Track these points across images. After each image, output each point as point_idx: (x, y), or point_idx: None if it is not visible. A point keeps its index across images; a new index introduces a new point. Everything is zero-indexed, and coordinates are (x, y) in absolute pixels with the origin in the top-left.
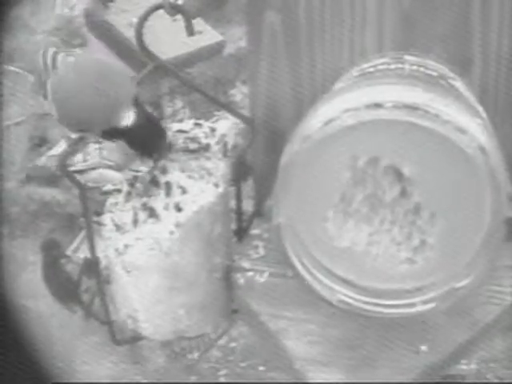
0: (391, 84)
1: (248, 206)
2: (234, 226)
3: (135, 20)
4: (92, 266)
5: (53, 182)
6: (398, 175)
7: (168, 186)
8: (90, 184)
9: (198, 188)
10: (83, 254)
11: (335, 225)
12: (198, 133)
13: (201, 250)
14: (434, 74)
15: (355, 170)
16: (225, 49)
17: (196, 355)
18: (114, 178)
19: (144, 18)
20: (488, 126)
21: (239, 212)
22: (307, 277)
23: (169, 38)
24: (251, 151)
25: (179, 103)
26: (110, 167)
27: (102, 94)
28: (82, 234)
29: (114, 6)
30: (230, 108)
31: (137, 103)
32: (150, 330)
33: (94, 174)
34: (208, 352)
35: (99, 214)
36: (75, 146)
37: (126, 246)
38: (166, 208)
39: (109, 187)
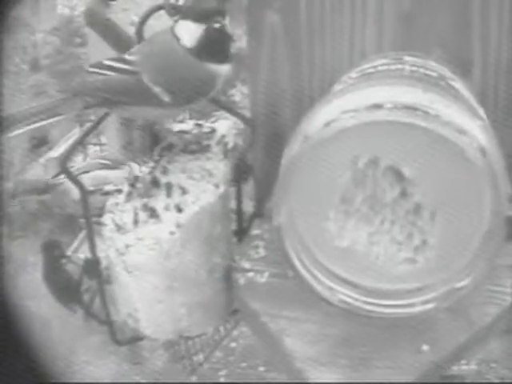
0: (391, 85)
1: (248, 206)
2: (234, 227)
3: (136, 19)
4: (93, 266)
5: (43, 192)
6: (398, 176)
7: (169, 186)
8: (90, 187)
9: (198, 188)
10: (84, 254)
11: (336, 225)
12: (199, 133)
13: (201, 251)
14: (434, 74)
15: (355, 171)
16: None
17: (201, 357)
18: (113, 178)
19: (145, 19)
20: (488, 127)
21: (239, 212)
22: (308, 277)
23: None
24: (251, 151)
25: None
26: (106, 166)
27: None
28: (83, 234)
29: (116, 4)
30: (229, 108)
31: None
32: (150, 330)
33: (91, 176)
34: (213, 353)
35: (100, 214)
36: (75, 147)
37: (127, 246)
38: (167, 208)
39: (110, 187)
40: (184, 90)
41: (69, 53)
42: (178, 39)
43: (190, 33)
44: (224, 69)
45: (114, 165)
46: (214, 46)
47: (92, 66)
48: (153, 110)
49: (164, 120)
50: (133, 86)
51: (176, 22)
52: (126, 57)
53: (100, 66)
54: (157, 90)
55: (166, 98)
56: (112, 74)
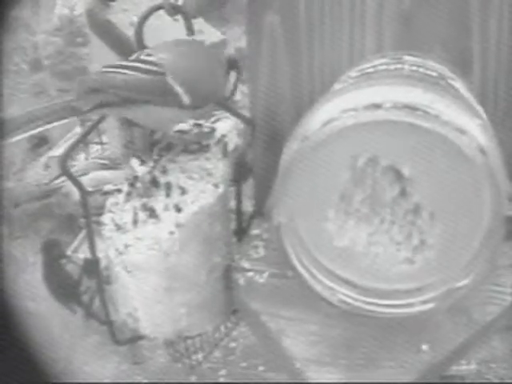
0: (391, 84)
1: (248, 206)
2: (233, 226)
3: (135, 19)
4: (92, 266)
5: (45, 198)
6: (398, 175)
7: (168, 186)
8: (89, 188)
9: (197, 188)
10: (83, 254)
11: (335, 225)
12: (199, 133)
13: (200, 250)
14: (434, 74)
15: (355, 170)
16: (226, 48)
17: (200, 356)
18: (112, 178)
19: (144, 19)
20: (488, 127)
21: (239, 212)
22: (307, 277)
23: (169, 38)
24: (251, 151)
25: None
26: (105, 166)
27: None
28: (82, 234)
29: (115, 5)
30: (230, 108)
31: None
32: (150, 329)
33: (90, 177)
34: (212, 353)
35: (100, 214)
36: (76, 147)
37: (126, 246)
38: (166, 208)
39: (109, 187)
40: (205, 93)
41: (70, 53)
42: None
43: None
44: (234, 74)
45: (115, 165)
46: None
47: (107, 67)
48: (169, 113)
49: (173, 123)
50: (156, 85)
51: None
52: (146, 58)
53: (117, 65)
54: (179, 90)
55: (186, 99)
56: (134, 73)
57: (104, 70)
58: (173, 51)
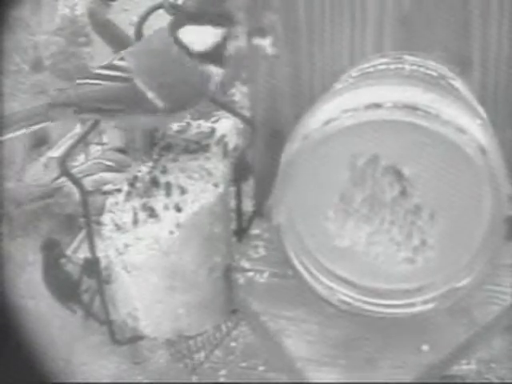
0: (391, 84)
1: (248, 206)
2: (233, 226)
3: (135, 19)
4: (92, 266)
5: (47, 197)
6: (398, 175)
7: (168, 186)
8: (90, 188)
9: (197, 188)
10: (83, 253)
11: (335, 224)
12: (199, 133)
13: (200, 250)
14: (434, 74)
15: (355, 170)
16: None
17: (202, 356)
18: (114, 180)
19: (144, 18)
20: (488, 126)
21: (239, 212)
22: (307, 277)
23: None
24: (251, 151)
25: None
26: (109, 168)
27: None
28: (82, 233)
29: (116, 4)
30: (229, 108)
31: None
32: (150, 329)
33: (93, 178)
34: (213, 352)
35: (100, 214)
36: (75, 147)
37: (126, 246)
38: (166, 208)
39: (109, 187)
40: (179, 95)
41: (71, 52)
42: (183, 44)
43: (203, 37)
44: (221, 71)
45: (118, 167)
46: (223, 50)
47: (82, 78)
48: (147, 118)
49: (159, 127)
50: (127, 93)
51: (178, 26)
52: (117, 63)
53: (90, 76)
54: (151, 95)
55: (160, 104)
56: (105, 82)
57: (79, 82)
58: (147, 51)
